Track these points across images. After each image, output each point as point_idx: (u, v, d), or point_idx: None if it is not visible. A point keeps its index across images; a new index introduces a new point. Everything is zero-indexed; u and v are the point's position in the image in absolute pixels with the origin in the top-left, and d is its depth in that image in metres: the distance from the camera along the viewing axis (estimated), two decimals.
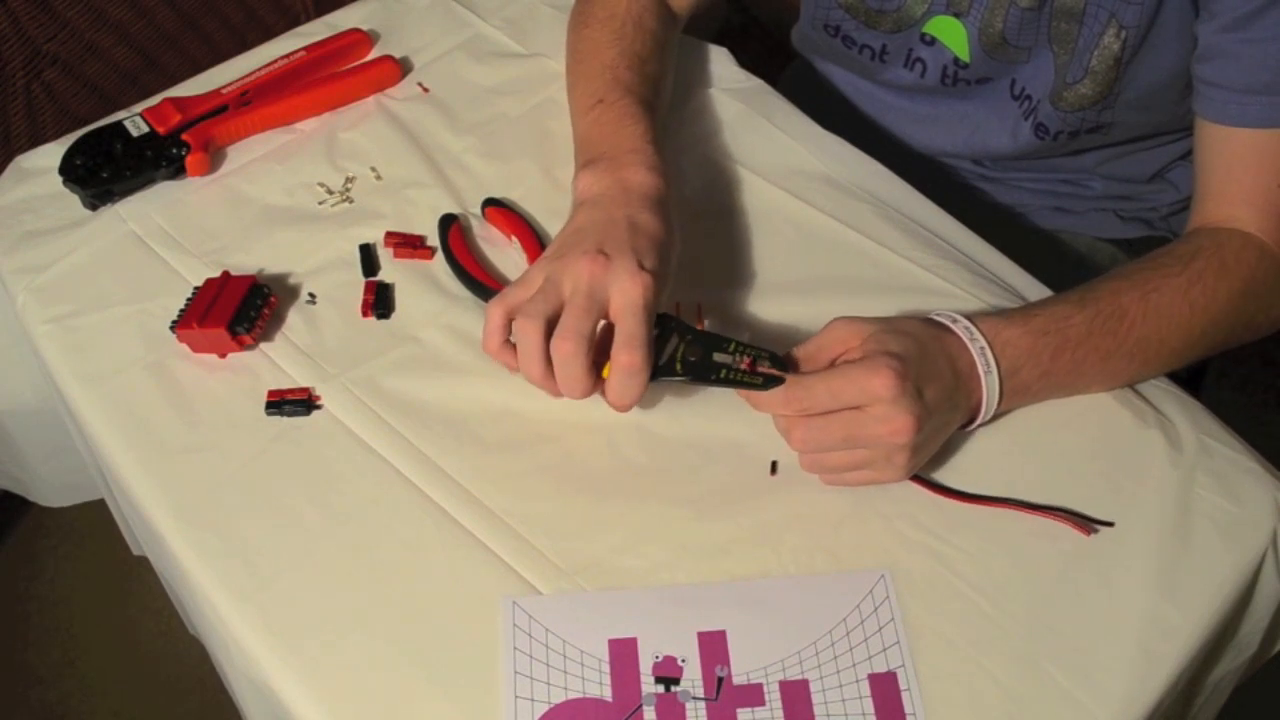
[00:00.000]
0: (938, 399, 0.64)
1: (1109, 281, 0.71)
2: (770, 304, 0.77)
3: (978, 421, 0.68)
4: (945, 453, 0.69)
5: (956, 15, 0.85)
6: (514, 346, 0.66)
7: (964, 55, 0.86)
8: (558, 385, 0.65)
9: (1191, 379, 1.08)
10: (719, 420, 0.71)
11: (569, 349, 0.63)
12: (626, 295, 0.64)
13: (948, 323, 0.67)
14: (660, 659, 0.61)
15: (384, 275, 0.79)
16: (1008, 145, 0.91)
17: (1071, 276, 0.73)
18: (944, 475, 0.68)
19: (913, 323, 0.66)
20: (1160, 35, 0.77)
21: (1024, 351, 0.67)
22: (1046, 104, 0.84)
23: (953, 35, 0.86)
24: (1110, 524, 0.65)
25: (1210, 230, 0.74)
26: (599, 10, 0.86)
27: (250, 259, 0.80)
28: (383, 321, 0.77)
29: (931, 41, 0.88)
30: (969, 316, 0.68)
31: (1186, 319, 0.71)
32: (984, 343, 0.66)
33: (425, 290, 0.78)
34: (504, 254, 0.81)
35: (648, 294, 0.64)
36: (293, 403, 0.71)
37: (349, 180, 0.85)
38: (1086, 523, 0.65)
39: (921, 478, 0.67)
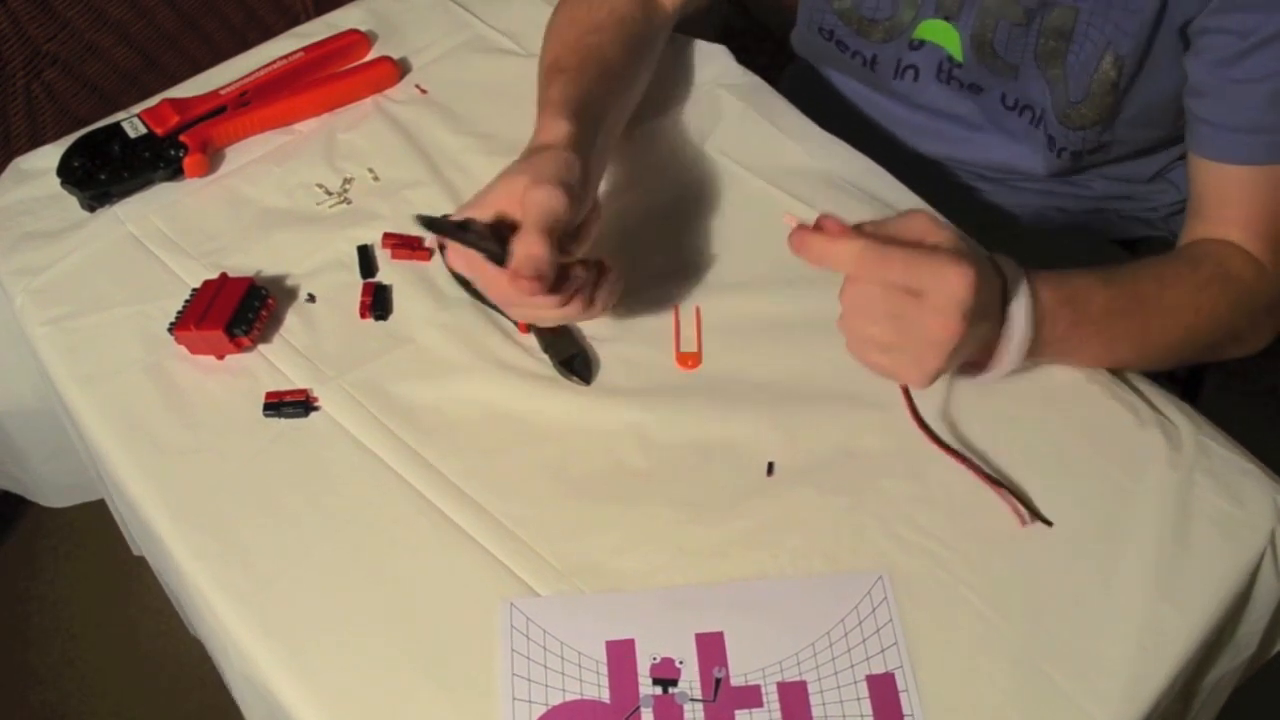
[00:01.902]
0: (981, 323, 0.62)
1: (1130, 269, 0.71)
2: (768, 302, 0.77)
3: (987, 373, 0.67)
4: (951, 432, 0.70)
5: (947, 19, 0.85)
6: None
7: (958, 55, 0.86)
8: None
9: (1191, 383, 1.08)
10: (716, 422, 0.71)
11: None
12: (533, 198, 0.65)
13: (1004, 268, 0.65)
14: (658, 660, 0.61)
15: (382, 276, 0.79)
16: (1040, 167, 0.90)
17: None
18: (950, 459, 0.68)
19: (983, 252, 0.64)
20: (1156, 62, 0.78)
21: (1045, 314, 0.66)
22: (1054, 120, 0.84)
23: (945, 37, 0.86)
24: (1049, 523, 0.66)
25: (1214, 241, 0.75)
26: None
27: (248, 260, 0.80)
28: (381, 323, 0.77)
29: (920, 46, 0.88)
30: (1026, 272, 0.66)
31: (1191, 320, 0.71)
32: (1026, 302, 0.64)
33: (423, 291, 0.78)
34: None
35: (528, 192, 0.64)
36: (291, 404, 0.71)
37: (347, 181, 0.85)
38: (1027, 511, 0.66)
39: (913, 402, 0.66)
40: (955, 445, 0.68)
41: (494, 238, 0.65)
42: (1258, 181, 0.74)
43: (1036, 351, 0.68)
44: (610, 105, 0.78)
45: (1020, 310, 0.64)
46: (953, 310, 0.59)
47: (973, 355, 0.66)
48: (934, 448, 0.67)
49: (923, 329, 0.60)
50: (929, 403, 0.70)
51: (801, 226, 0.61)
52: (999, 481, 0.67)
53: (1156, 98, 0.80)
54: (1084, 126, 0.83)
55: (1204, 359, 0.76)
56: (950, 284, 0.59)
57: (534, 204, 0.64)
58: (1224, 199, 0.75)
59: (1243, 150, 0.73)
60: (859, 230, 0.61)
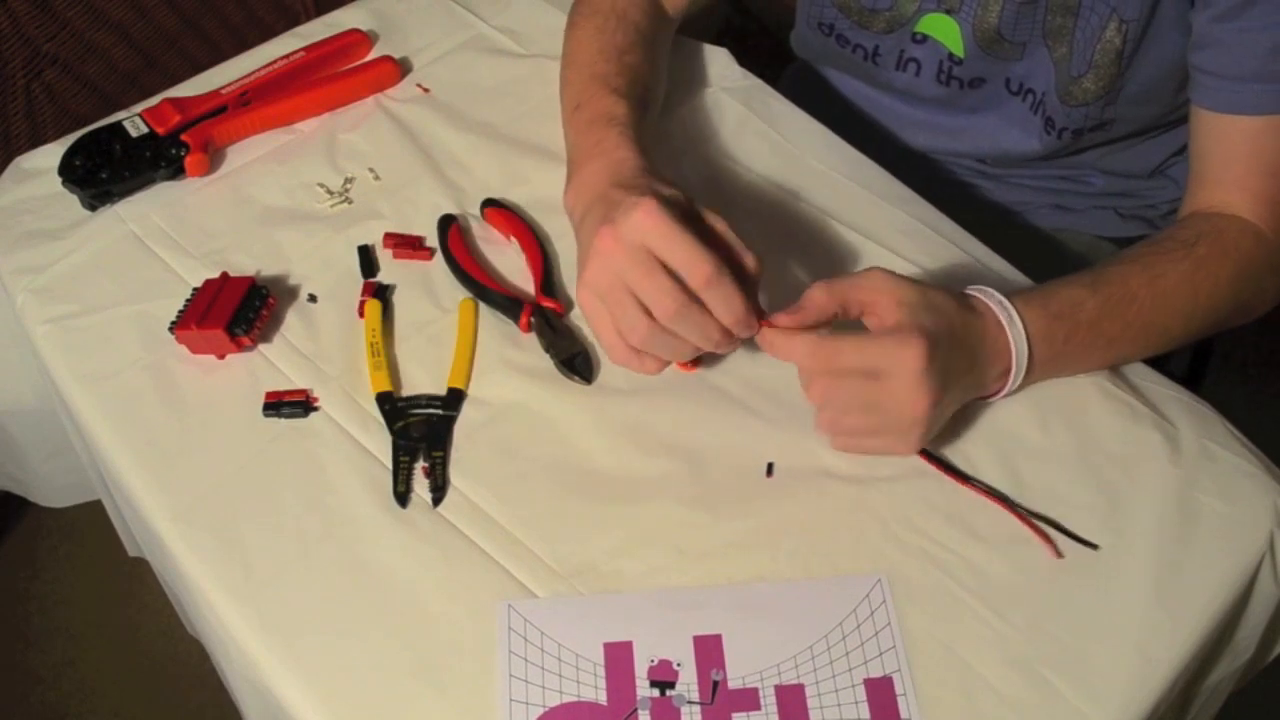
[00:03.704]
0: (956, 380, 0.65)
1: (1118, 265, 0.72)
2: (769, 304, 0.77)
3: (1001, 395, 0.69)
4: (952, 440, 0.70)
5: (948, 12, 0.85)
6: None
7: (958, 50, 0.86)
8: (720, 341, 0.64)
9: (1193, 373, 1.08)
10: (714, 423, 0.71)
11: (670, 311, 0.61)
12: (646, 230, 0.61)
13: (986, 301, 0.68)
14: (655, 663, 0.61)
15: (383, 276, 0.79)
16: (1036, 147, 0.91)
17: None
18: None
19: (948, 300, 0.66)
20: (1160, 27, 0.77)
21: (1039, 334, 0.68)
22: (1054, 99, 0.85)
23: (946, 31, 0.86)
24: (1095, 546, 0.65)
25: (1207, 215, 0.75)
26: (585, 8, 0.86)
27: (249, 260, 0.80)
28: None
29: (923, 40, 0.88)
30: (1008, 296, 0.68)
31: (1190, 303, 0.72)
32: (1021, 327, 0.67)
33: (424, 291, 0.78)
34: (503, 254, 0.81)
35: (658, 215, 0.61)
36: (290, 404, 0.71)
37: (348, 181, 0.85)
38: (1070, 540, 0.65)
39: (929, 453, 0.68)
40: (982, 482, 0.67)
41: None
42: (1260, 134, 0.74)
43: (1034, 373, 0.69)
44: (650, 125, 0.80)
45: (1019, 337, 0.67)
46: (915, 385, 0.62)
47: (960, 403, 0.68)
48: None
49: (895, 409, 0.64)
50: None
51: (761, 323, 0.64)
52: (1037, 518, 0.66)
53: (1159, 68, 0.80)
54: (1086, 102, 0.83)
55: (1210, 333, 0.77)
56: (905, 361, 0.62)
57: (726, 223, 0.65)
58: (1225, 156, 0.76)
59: (1247, 99, 0.73)
60: (810, 299, 0.64)
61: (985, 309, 0.67)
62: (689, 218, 0.63)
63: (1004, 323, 0.67)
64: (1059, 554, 0.65)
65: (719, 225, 0.66)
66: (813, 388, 0.65)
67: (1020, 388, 0.70)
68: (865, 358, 0.63)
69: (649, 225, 0.61)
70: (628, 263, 0.62)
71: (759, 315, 0.64)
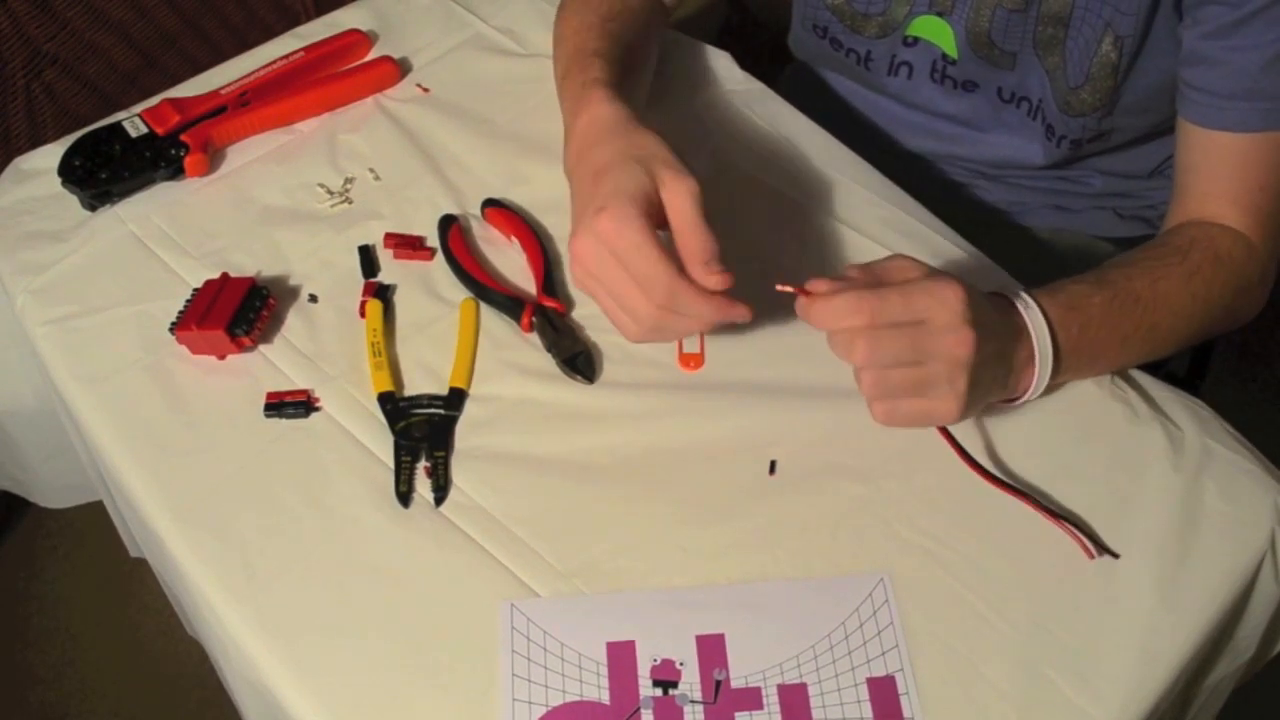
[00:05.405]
0: (991, 336, 0.63)
1: (1118, 268, 0.72)
2: (769, 306, 0.77)
3: (1032, 388, 0.68)
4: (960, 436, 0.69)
5: (940, 14, 0.85)
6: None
7: (951, 51, 0.86)
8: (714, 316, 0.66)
9: (1193, 373, 1.08)
10: (718, 422, 0.71)
11: (646, 319, 0.65)
12: (608, 240, 0.64)
13: (1000, 291, 0.68)
14: (658, 662, 0.61)
15: (384, 276, 0.79)
16: (1039, 155, 0.91)
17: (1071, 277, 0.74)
18: (952, 459, 0.68)
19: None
20: (1155, 42, 0.78)
21: (1056, 321, 0.67)
22: (1053, 107, 0.85)
23: (938, 33, 0.86)
24: (1115, 555, 0.65)
25: (1200, 224, 0.76)
26: None
27: (249, 260, 0.80)
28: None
29: (914, 43, 0.88)
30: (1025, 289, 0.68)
31: (1188, 308, 0.72)
32: (1039, 311, 0.67)
33: (425, 291, 0.78)
34: (504, 254, 0.81)
35: (617, 227, 0.63)
36: (291, 404, 0.71)
37: (348, 181, 0.85)
38: (1093, 545, 0.65)
39: (960, 446, 0.66)
40: (1012, 482, 0.67)
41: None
42: (1248, 150, 0.74)
43: (1059, 364, 0.68)
44: (636, 88, 0.80)
45: (1038, 320, 0.66)
46: (958, 323, 0.61)
47: (997, 384, 0.66)
48: (941, 456, 0.66)
49: (941, 352, 0.61)
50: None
51: (799, 292, 0.63)
52: (1063, 517, 0.66)
53: (1156, 80, 0.80)
54: (1084, 113, 0.83)
55: (1203, 339, 0.77)
56: (946, 300, 0.61)
57: (688, 193, 0.65)
58: (1213, 171, 0.76)
59: (1236, 117, 0.73)
60: (846, 277, 0.63)
61: (1000, 296, 0.67)
62: (653, 211, 0.65)
63: (1020, 308, 0.66)
64: (1091, 554, 0.64)
65: (675, 205, 0.65)
66: (856, 347, 0.61)
67: (1048, 389, 0.69)
68: (909, 303, 0.60)
69: (609, 237, 0.64)
70: (599, 269, 0.65)
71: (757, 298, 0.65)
